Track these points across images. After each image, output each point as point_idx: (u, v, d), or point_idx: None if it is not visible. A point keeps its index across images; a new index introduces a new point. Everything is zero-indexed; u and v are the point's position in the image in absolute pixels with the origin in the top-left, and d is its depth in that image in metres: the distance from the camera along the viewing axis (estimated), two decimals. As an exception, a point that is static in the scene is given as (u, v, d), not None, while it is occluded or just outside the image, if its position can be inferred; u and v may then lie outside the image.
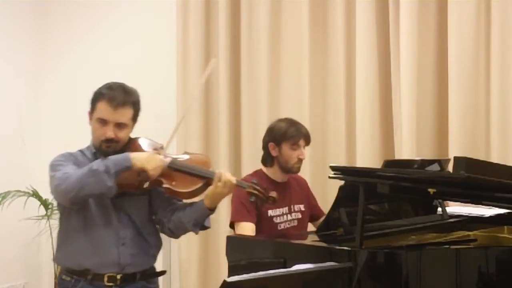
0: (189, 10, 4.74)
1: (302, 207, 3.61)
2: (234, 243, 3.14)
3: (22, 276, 5.17)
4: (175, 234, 2.93)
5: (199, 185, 2.77)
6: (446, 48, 4.04)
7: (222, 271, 4.32)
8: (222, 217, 4.27)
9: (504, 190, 2.56)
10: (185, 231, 2.90)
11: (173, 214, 2.84)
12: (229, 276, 2.68)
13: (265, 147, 3.58)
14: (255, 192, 2.84)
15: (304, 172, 4.18)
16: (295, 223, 3.58)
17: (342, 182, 2.87)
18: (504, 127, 3.87)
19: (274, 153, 3.53)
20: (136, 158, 2.66)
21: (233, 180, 2.77)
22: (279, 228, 3.51)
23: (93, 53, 5.23)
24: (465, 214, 3.32)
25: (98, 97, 2.78)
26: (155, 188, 2.81)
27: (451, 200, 3.35)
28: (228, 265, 3.10)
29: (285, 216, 3.55)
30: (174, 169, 2.77)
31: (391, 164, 3.24)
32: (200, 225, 2.85)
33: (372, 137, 4.22)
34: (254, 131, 4.44)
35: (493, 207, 3.15)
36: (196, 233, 2.91)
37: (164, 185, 2.76)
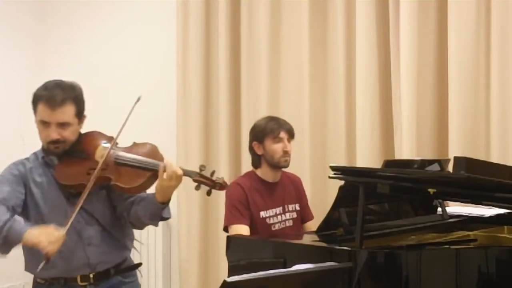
0: (189, 10, 4.74)
1: (297, 206, 3.60)
2: (234, 243, 3.14)
3: (22, 276, 5.13)
4: (136, 226, 2.86)
5: (145, 178, 2.68)
6: (446, 48, 4.04)
7: (222, 271, 4.32)
8: (222, 217, 4.26)
9: (504, 190, 2.56)
10: (145, 225, 2.83)
11: (132, 208, 2.77)
12: (229, 276, 2.68)
13: (250, 148, 3.57)
14: (202, 180, 2.73)
15: (304, 172, 4.19)
16: (291, 223, 3.57)
17: (342, 182, 2.87)
18: (504, 127, 3.87)
19: (259, 151, 3.52)
20: (31, 234, 2.54)
21: (179, 171, 2.64)
22: (273, 229, 3.50)
23: (93, 53, 5.23)
24: (465, 214, 3.32)
25: (36, 99, 2.72)
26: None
27: (451, 200, 3.35)
28: (228, 265, 3.10)
29: (279, 217, 3.53)
30: (119, 164, 2.70)
31: (391, 164, 3.24)
32: (158, 218, 2.76)
33: (372, 137, 4.22)
34: (254, 131, 4.44)
35: (493, 207, 3.15)
36: (156, 226, 2.83)
37: (112, 182, 2.70)
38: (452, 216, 3.29)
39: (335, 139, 4.39)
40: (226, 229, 3.49)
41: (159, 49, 5.01)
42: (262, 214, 3.49)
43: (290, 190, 3.61)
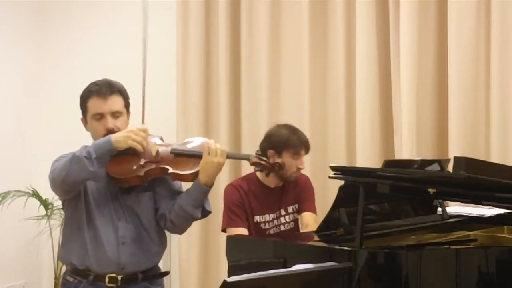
0: (189, 10, 4.74)
1: (297, 206, 3.58)
2: (234, 243, 3.14)
3: (22, 276, 5.16)
4: (176, 225, 2.86)
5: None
6: (446, 48, 4.04)
7: (222, 271, 4.32)
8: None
9: (504, 190, 2.56)
10: (186, 218, 2.84)
11: (174, 204, 2.82)
12: (229, 276, 2.68)
13: (263, 153, 3.53)
14: (259, 162, 2.94)
15: (304, 172, 4.18)
16: (292, 225, 3.55)
17: (342, 182, 2.87)
18: (504, 127, 3.87)
19: (272, 160, 3.47)
20: (116, 136, 2.64)
21: (222, 147, 2.77)
22: (267, 233, 3.49)
23: (93, 53, 5.23)
24: (465, 214, 3.32)
25: (86, 96, 2.80)
26: (159, 179, 2.81)
27: (451, 200, 3.35)
28: (228, 265, 3.10)
29: (275, 221, 3.51)
30: (176, 154, 2.80)
31: (391, 164, 3.24)
32: (201, 207, 2.80)
33: (372, 137, 4.22)
34: (254, 131, 4.44)
35: (493, 207, 3.15)
36: (198, 217, 2.83)
37: (170, 171, 2.76)
38: (452, 216, 3.29)
39: (335, 139, 4.39)
40: (224, 231, 3.48)
41: (159, 49, 5.00)
42: (257, 218, 3.48)
43: (291, 192, 3.56)
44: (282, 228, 3.53)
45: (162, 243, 2.94)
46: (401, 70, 4.08)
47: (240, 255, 3.05)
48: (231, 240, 3.18)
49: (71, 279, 2.79)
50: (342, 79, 4.34)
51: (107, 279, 2.74)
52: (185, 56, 4.74)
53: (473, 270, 2.62)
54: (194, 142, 2.91)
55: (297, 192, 3.58)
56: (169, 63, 4.82)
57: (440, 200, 3.24)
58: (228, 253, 3.13)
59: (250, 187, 3.49)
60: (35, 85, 5.22)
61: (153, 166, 2.75)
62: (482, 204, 3.01)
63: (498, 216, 3.19)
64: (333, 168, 2.76)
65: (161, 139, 2.88)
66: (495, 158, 3.81)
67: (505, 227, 3.04)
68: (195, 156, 2.79)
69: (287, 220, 3.54)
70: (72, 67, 5.25)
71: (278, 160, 3.34)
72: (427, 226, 3.11)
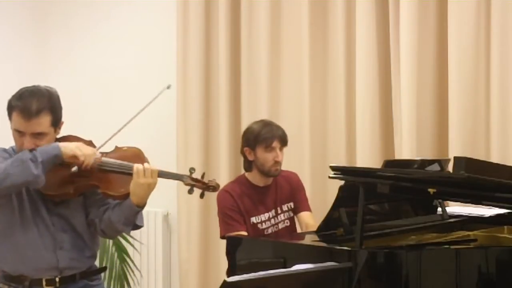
0: (189, 10, 4.74)
1: (292, 205, 3.57)
2: (234, 243, 3.14)
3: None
4: (107, 234, 2.84)
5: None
6: (446, 48, 4.04)
7: (222, 271, 4.32)
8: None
9: (504, 190, 2.56)
10: (116, 231, 2.81)
11: (105, 214, 2.75)
12: (229, 276, 2.68)
13: (242, 152, 3.54)
14: (193, 183, 2.75)
15: (304, 172, 4.19)
16: (287, 223, 3.55)
17: (342, 182, 2.87)
18: (504, 127, 3.87)
19: (250, 157, 3.47)
20: (66, 146, 2.59)
21: (153, 167, 2.65)
22: (265, 233, 3.49)
23: (93, 53, 5.22)
24: (465, 214, 3.32)
25: (10, 108, 2.66)
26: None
27: (451, 200, 3.35)
28: (228, 265, 3.10)
29: (272, 220, 3.51)
30: (104, 171, 2.69)
31: (391, 164, 3.24)
32: (132, 224, 2.74)
33: (372, 137, 4.22)
34: (254, 131, 4.43)
35: (493, 207, 3.15)
36: (128, 233, 2.83)
37: (101, 191, 2.69)
38: (452, 216, 3.29)
39: (335, 139, 4.39)
40: (224, 238, 3.46)
41: (159, 49, 5.00)
42: (253, 220, 3.48)
43: (283, 190, 3.56)
44: (283, 225, 3.53)
45: (96, 244, 2.88)
46: (401, 70, 4.08)
47: (240, 255, 3.06)
48: (231, 240, 3.18)
49: (6, 286, 2.72)
50: (342, 79, 4.34)
51: (44, 282, 2.69)
52: (185, 56, 4.74)
53: (473, 270, 2.62)
54: (124, 153, 2.77)
55: (290, 191, 3.58)
56: (169, 63, 4.81)
57: (440, 200, 3.25)
58: (228, 253, 3.13)
59: (242, 190, 3.49)
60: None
61: (83, 182, 2.66)
62: (482, 204, 3.01)
63: (498, 216, 3.19)
64: (333, 168, 2.76)
65: (90, 143, 2.74)
66: (495, 158, 3.81)
67: (505, 227, 3.04)
68: (126, 174, 2.67)
69: (283, 218, 3.54)
70: (72, 68, 5.25)
71: (254, 156, 3.41)
72: (427, 226, 3.11)
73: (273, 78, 4.54)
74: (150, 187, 2.66)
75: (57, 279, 2.70)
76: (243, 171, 4.07)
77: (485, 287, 2.61)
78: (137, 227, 2.77)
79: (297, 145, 4.11)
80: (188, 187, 2.76)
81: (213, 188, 2.79)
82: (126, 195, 2.67)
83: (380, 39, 4.24)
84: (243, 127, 4.54)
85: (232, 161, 4.60)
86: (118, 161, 2.71)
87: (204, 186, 2.76)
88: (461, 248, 2.72)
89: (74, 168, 2.58)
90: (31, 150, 2.57)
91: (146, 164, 2.66)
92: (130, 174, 2.65)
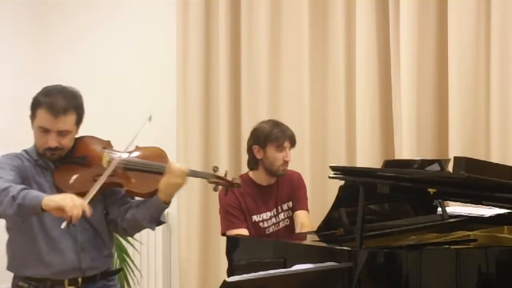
0: (189, 10, 4.74)
1: (291, 204, 3.58)
2: (234, 243, 3.14)
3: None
4: (129, 232, 2.88)
5: (159, 181, 2.69)
6: (446, 48, 4.04)
7: (222, 271, 4.32)
8: (222, 217, 4.27)
9: (504, 190, 2.57)
10: (140, 229, 2.83)
11: (127, 213, 2.75)
12: (229, 276, 2.69)
13: (249, 150, 3.54)
14: (218, 181, 2.80)
15: (304, 172, 4.18)
16: (287, 222, 3.57)
17: (342, 182, 2.87)
18: (504, 127, 3.87)
19: (258, 155, 3.49)
20: (49, 198, 2.45)
21: (184, 168, 2.71)
22: (267, 232, 3.50)
23: (93, 53, 5.22)
24: (465, 214, 3.32)
25: (36, 104, 2.66)
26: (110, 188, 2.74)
27: (451, 200, 3.35)
28: (228, 265, 3.10)
29: (273, 219, 3.52)
30: (129, 169, 2.70)
31: (391, 164, 3.24)
32: (156, 221, 2.77)
33: (372, 137, 4.22)
34: (254, 131, 4.44)
35: (493, 207, 3.15)
36: (153, 229, 2.82)
37: (125, 188, 2.70)
38: (452, 216, 3.29)
39: (335, 139, 4.39)
40: (225, 235, 3.47)
41: (159, 49, 5.01)
42: (255, 218, 3.48)
43: (284, 190, 3.57)
44: (283, 224, 3.54)
45: (112, 245, 2.91)
46: (401, 70, 4.08)
47: (240, 255, 3.06)
48: (231, 240, 3.18)
49: (26, 285, 2.72)
50: (342, 79, 4.34)
51: (66, 282, 2.70)
52: (185, 56, 4.74)
53: (473, 270, 2.62)
54: (147, 152, 2.79)
55: (290, 190, 3.59)
56: (169, 63, 4.82)
57: (440, 200, 3.25)
58: (228, 253, 3.13)
59: (244, 188, 3.49)
60: (35, 85, 5.19)
61: (106, 181, 2.62)
62: (482, 204, 3.01)
63: (498, 216, 3.19)
64: (333, 168, 2.76)
65: (109, 143, 2.76)
66: (495, 158, 3.81)
67: (505, 227, 3.04)
68: (152, 172, 2.70)
69: (283, 217, 3.55)
70: (72, 67, 5.25)
71: (263, 155, 3.43)
72: (427, 226, 3.11)
73: (273, 78, 4.54)
74: (181, 186, 2.73)
75: (79, 279, 2.72)
76: (243, 171, 4.08)
77: (485, 287, 2.61)
78: (160, 223, 2.80)
79: (297, 145, 4.09)
80: (213, 185, 2.82)
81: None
82: (152, 193, 2.70)
83: (380, 39, 4.25)
84: (243, 127, 4.56)
85: (232, 161, 4.61)
86: (146, 161, 2.74)
87: (229, 183, 2.83)
88: (461, 248, 2.72)
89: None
90: (24, 188, 2.48)
91: (178, 164, 2.72)
92: (157, 173, 2.69)
